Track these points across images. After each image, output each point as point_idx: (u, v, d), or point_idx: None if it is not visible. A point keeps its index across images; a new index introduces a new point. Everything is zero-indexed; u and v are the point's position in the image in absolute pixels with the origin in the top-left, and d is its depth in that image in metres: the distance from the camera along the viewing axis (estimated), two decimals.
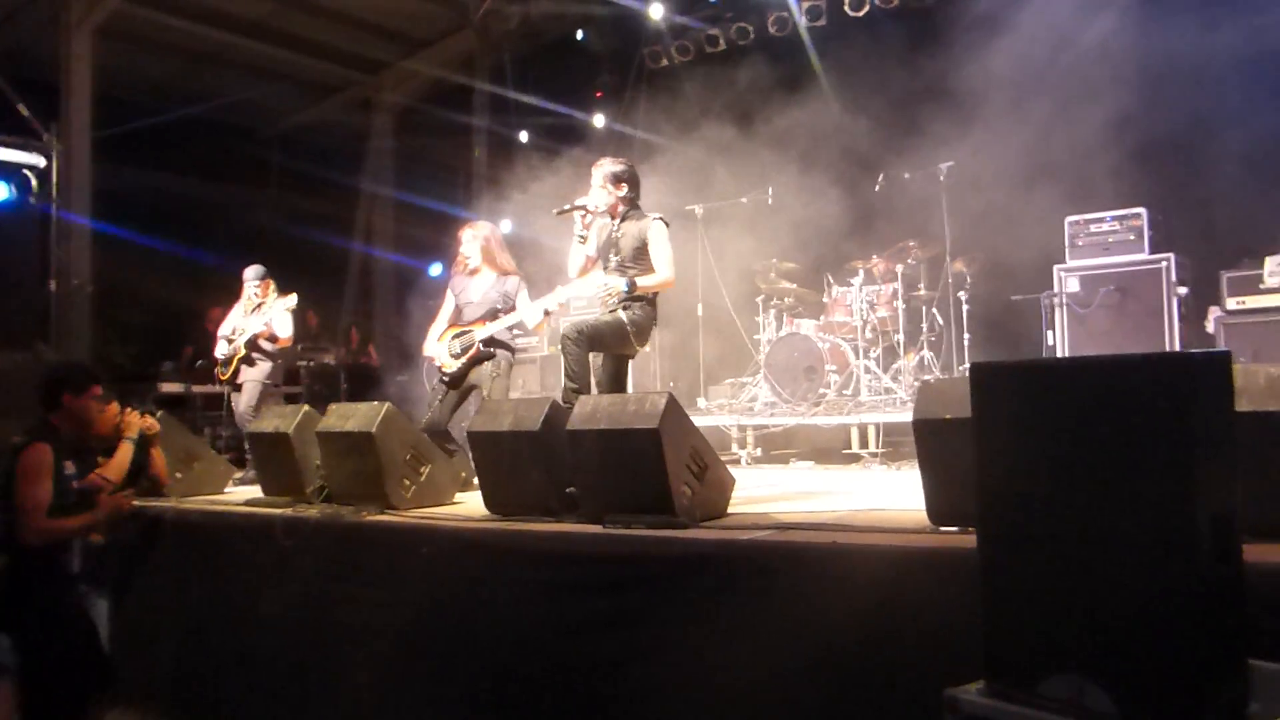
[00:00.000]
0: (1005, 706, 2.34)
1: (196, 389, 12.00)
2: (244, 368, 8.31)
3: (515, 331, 7.11)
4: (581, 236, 6.18)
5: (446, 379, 6.82)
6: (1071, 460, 2.28)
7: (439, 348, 6.92)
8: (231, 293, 9.00)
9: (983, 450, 2.44)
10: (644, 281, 6.04)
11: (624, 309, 5.99)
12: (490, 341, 6.78)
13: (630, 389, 10.06)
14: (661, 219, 6.13)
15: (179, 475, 6.87)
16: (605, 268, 6.20)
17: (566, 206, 6.19)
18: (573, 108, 13.43)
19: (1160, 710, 2.11)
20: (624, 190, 6.20)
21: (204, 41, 13.90)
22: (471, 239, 7.09)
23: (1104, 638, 2.22)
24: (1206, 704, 2.10)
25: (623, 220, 6.19)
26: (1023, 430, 2.37)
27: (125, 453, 5.90)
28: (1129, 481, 2.19)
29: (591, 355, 5.97)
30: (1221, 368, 2.33)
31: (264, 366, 8.35)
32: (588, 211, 6.17)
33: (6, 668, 4.73)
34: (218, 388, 9.89)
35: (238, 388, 8.37)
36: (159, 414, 6.57)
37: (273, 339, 8.35)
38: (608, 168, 6.22)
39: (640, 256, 6.09)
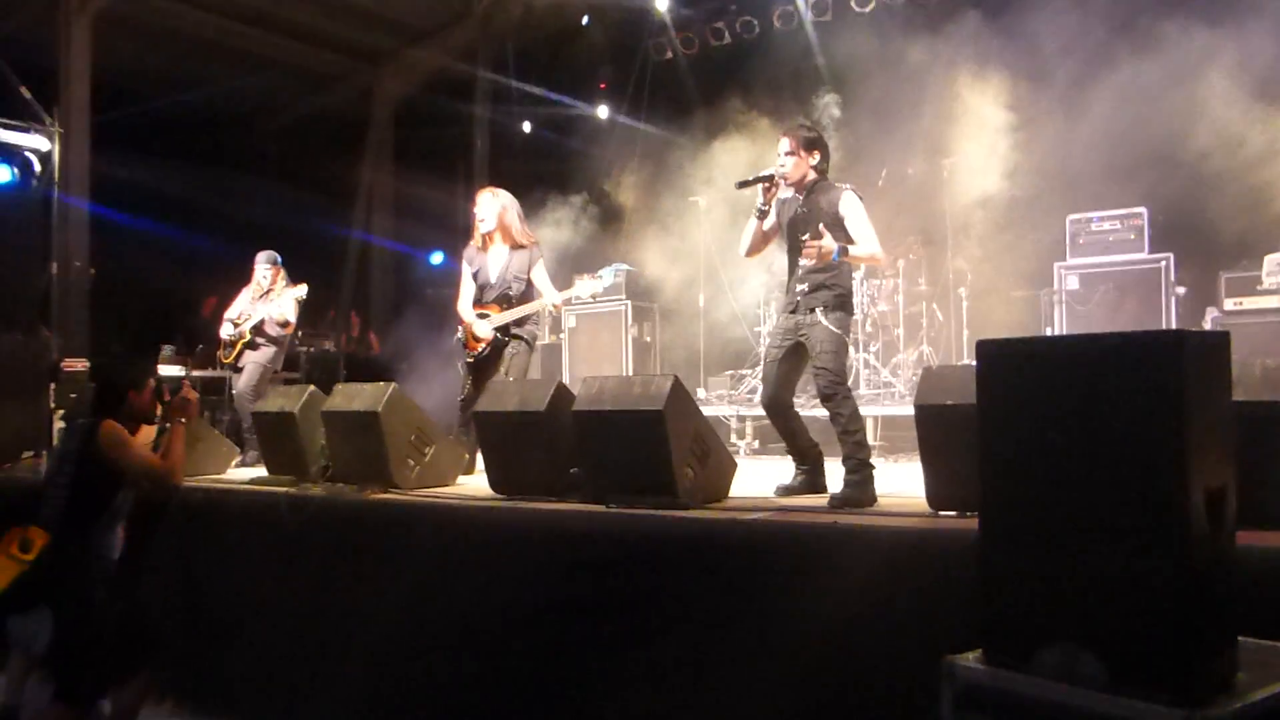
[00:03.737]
0: (1000, 674, 2.40)
1: (196, 373, 12.00)
2: (247, 351, 8.33)
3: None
4: (762, 210, 5.43)
5: (471, 361, 6.75)
6: (1072, 436, 2.34)
7: (471, 317, 6.78)
8: (227, 281, 8.99)
9: (986, 425, 2.50)
10: (856, 251, 5.19)
11: (827, 312, 5.12)
12: (506, 329, 6.70)
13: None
14: (853, 189, 5.33)
15: None
16: (790, 246, 5.42)
17: (750, 178, 5.44)
18: (576, 98, 13.46)
19: (1152, 679, 2.17)
20: (816, 159, 5.36)
21: (204, 29, 13.84)
22: (490, 200, 6.85)
23: (1099, 609, 2.28)
24: (1196, 674, 2.16)
25: (810, 193, 5.35)
26: (1025, 406, 2.43)
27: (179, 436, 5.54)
28: (1127, 457, 2.25)
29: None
30: (1219, 348, 2.39)
31: (267, 351, 8.35)
32: (773, 183, 5.38)
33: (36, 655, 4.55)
34: (217, 371, 9.90)
35: (239, 370, 8.39)
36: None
37: (284, 324, 8.37)
38: (801, 133, 5.39)
39: (834, 232, 5.19)
